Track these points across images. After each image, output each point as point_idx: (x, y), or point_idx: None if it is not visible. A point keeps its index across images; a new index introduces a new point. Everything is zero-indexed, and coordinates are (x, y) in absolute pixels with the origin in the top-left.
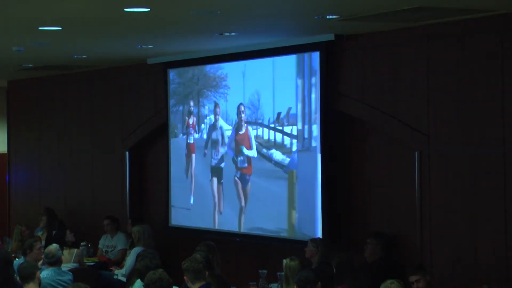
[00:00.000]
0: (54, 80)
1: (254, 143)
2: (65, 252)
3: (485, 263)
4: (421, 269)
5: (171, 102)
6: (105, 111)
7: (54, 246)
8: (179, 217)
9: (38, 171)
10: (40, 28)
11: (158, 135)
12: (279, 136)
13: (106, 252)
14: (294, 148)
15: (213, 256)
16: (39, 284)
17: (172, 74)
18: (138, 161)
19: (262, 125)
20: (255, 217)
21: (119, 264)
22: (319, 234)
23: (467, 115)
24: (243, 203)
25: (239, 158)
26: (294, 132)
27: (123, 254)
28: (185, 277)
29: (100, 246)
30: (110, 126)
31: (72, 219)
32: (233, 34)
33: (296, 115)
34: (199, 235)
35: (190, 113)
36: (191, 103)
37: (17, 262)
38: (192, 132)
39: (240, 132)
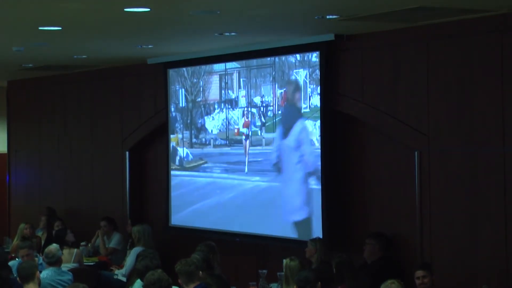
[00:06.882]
0: (54, 80)
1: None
2: (65, 252)
3: (485, 263)
4: (428, 266)
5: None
6: (105, 111)
7: (54, 246)
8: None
9: (38, 171)
10: (40, 28)
11: (158, 135)
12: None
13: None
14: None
15: (213, 256)
16: (39, 284)
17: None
18: (138, 161)
19: (262, 124)
20: (253, 217)
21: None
22: (319, 234)
23: (467, 115)
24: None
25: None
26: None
27: (111, 252)
28: (179, 280)
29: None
30: (110, 126)
31: (72, 219)
32: (233, 34)
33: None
34: (199, 235)
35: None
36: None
37: (16, 262)
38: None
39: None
